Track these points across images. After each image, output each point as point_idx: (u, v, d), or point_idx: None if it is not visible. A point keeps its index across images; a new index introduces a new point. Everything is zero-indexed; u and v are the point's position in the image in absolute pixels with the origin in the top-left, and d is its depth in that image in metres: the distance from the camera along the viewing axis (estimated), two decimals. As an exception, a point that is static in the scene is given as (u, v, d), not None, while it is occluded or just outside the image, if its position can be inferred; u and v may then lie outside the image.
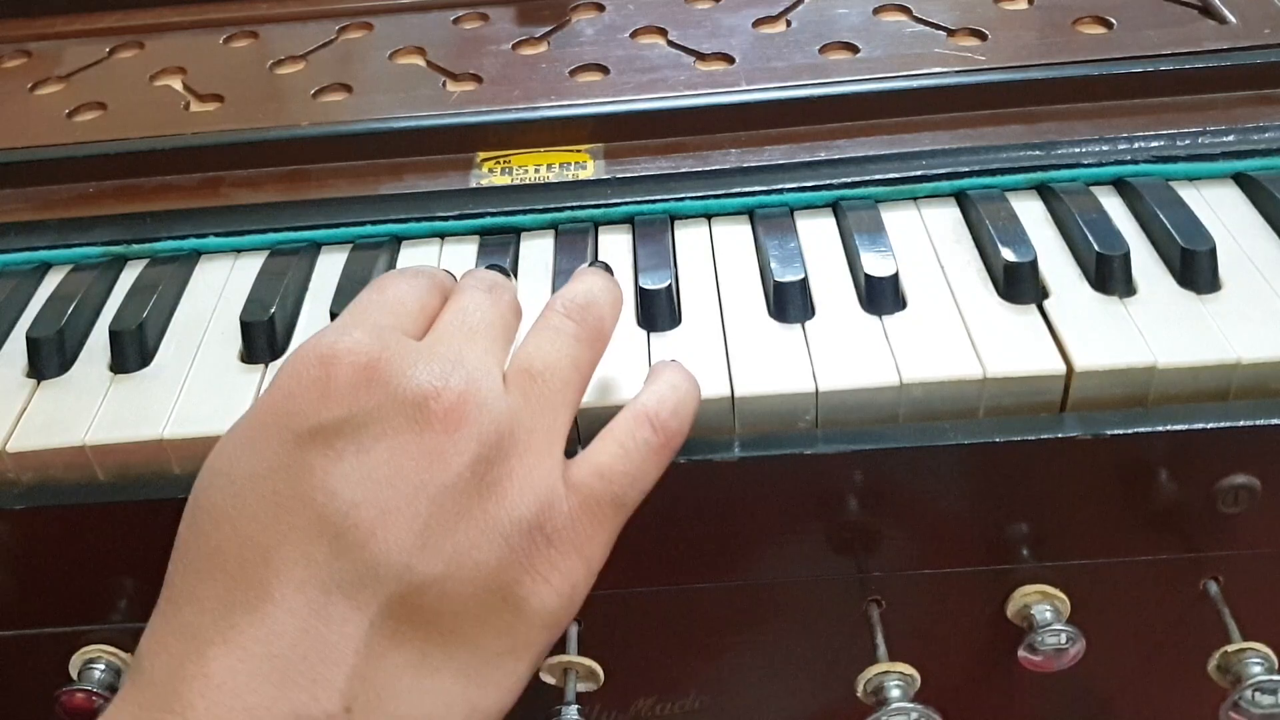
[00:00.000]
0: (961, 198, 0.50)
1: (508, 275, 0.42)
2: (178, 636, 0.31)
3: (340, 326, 0.34)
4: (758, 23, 0.62)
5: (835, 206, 0.50)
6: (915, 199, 0.51)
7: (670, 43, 0.62)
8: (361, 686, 0.30)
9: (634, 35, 0.63)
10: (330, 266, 0.50)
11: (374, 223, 0.51)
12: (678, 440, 0.37)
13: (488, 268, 0.43)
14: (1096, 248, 0.45)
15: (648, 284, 0.46)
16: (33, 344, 0.46)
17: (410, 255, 0.51)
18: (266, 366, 0.45)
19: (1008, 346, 0.42)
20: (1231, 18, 0.58)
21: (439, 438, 0.32)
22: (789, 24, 0.62)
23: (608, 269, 0.42)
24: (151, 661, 0.30)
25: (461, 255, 0.50)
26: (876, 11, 0.62)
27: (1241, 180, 0.50)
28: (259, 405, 0.33)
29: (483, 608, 0.32)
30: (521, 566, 0.33)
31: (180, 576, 0.32)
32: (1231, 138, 0.51)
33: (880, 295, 0.45)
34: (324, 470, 0.31)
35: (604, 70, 0.59)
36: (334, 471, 0.31)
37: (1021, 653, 0.44)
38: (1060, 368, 0.41)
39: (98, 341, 0.47)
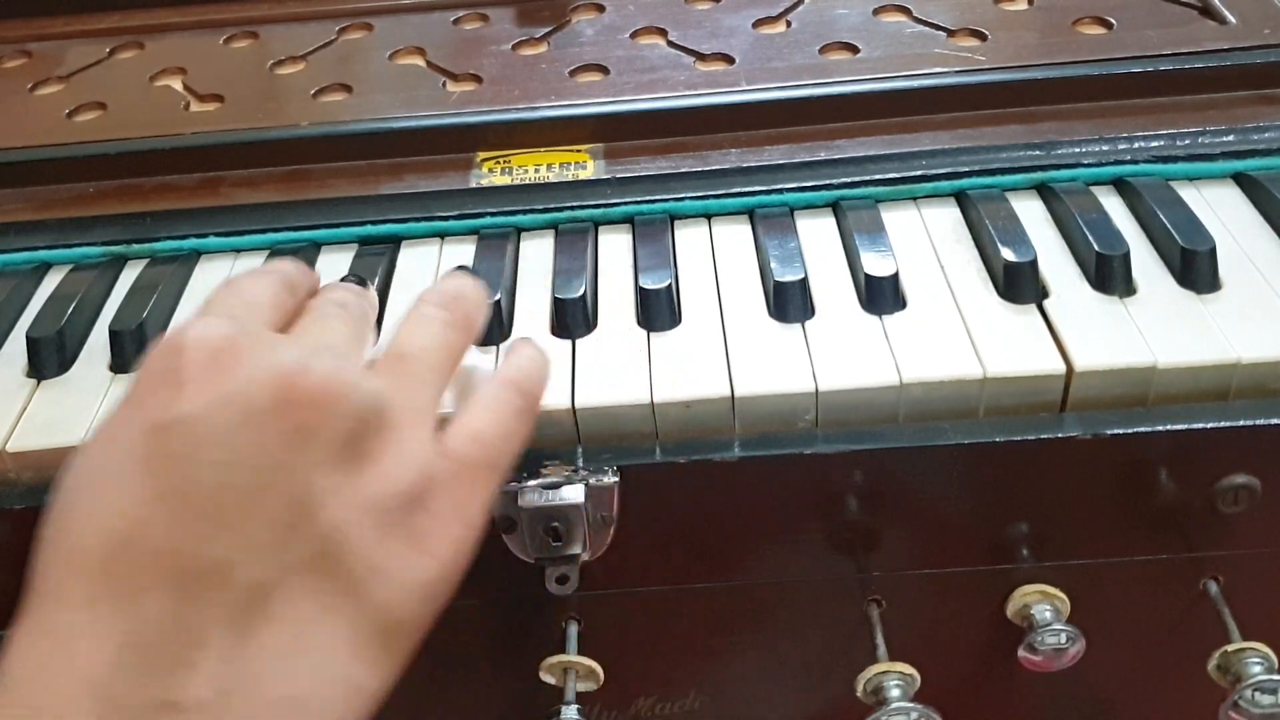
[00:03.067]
0: (961, 198, 0.50)
1: (364, 284, 0.42)
2: (45, 634, 0.30)
3: (191, 320, 0.34)
4: (758, 23, 0.62)
5: (835, 206, 0.50)
6: (915, 199, 0.51)
7: (670, 43, 0.62)
8: (231, 669, 0.30)
9: (634, 35, 0.63)
10: (330, 266, 0.50)
11: (374, 223, 0.51)
12: (536, 406, 0.38)
13: (344, 279, 0.42)
14: (1096, 248, 0.45)
15: (648, 284, 0.46)
16: (33, 344, 0.46)
17: (410, 255, 0.51)
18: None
19: (1008, 346, 0.42)
20: (1231, 18, 0.58)
21: (305, 415, 0.31)
22: (789, 24, 0.62)
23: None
24: (20, 662, 0.30)
25: (461, 255, 0.50)
26: (876, 12, 0.62)
27: (1241, 180, 0.50)
28: (117, 408, 0.33)
29: (361, 583, 0.32)
30: (400, 537, 0.32)
31: (45, 577, 0.31)
32: (1231, 138, 0.51)
33: (880, 295, 0.45)
34: (186, 458, 0.31)
35: (604, 70, 0.59)
36: (196, 459, 0.31)
37: (1021, 652, 0.44)
38: (1060, 367, 0.41)
39: (98, 341, 0.47)
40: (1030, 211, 0.49)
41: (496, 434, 0.36)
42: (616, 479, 0.40)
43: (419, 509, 0.33)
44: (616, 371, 0.43)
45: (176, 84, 0.63)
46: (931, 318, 0.44)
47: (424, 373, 0.36)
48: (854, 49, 0.59)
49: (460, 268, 0.44)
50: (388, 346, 0.37)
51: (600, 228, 0.51)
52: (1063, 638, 0.43)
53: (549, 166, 0.54)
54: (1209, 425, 0.40)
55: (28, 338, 0.46)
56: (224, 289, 0.37)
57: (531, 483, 0.40)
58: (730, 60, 0.59)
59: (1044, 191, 0.50)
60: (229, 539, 0.30)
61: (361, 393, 0.33)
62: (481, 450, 0.35)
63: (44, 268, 0.52)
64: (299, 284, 0.39)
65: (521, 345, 0.40)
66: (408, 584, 0.32)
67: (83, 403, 0.44)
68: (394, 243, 0.51)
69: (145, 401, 0.32)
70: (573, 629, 0.45)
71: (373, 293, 0.42)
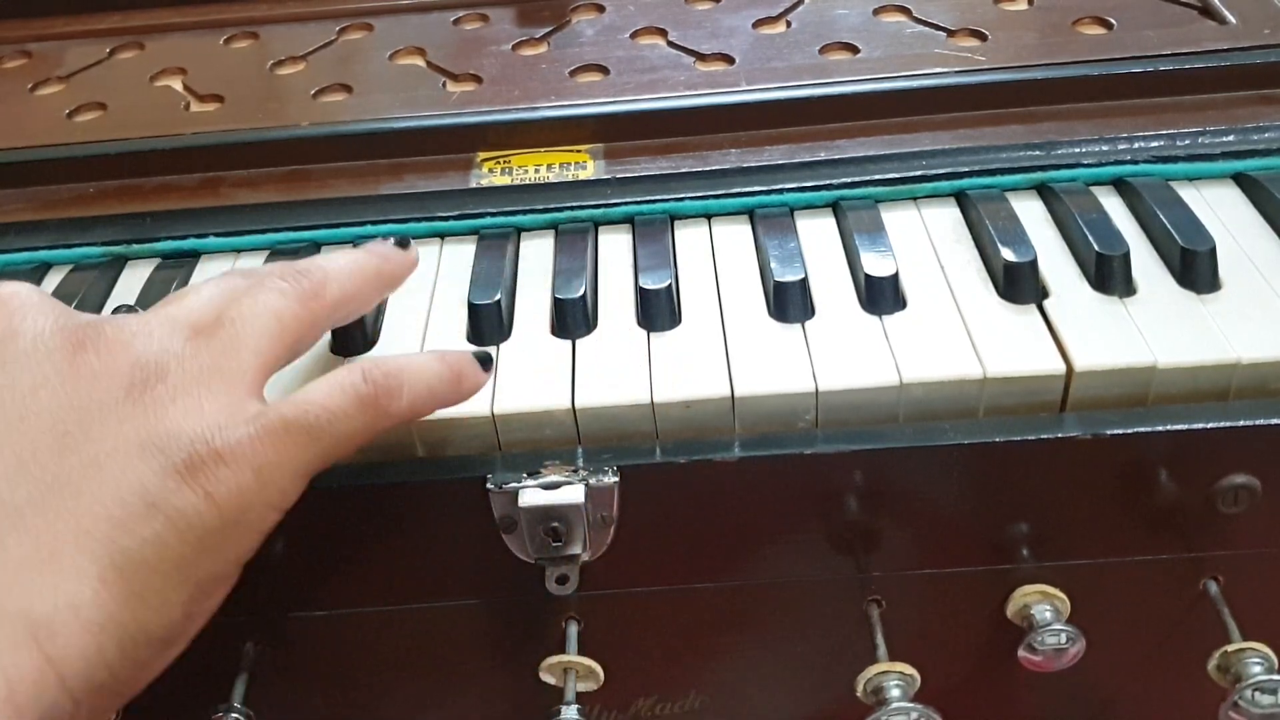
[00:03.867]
0: (961, 198, 0.50)
1: (406, 246, 0.43)
2: None
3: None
4: (758, 23, 0.62)
5: (835, 206, 0.50)
6: (915, 199, 0.51)
7: (670, 43, 0.62)
8: None
9: (634, 36, 0.63)
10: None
11: (374, 223, 0.51)
12: (388, 401, 0.36)
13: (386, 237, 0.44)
14: (1096, 248, 0.45)
15: (648, 284, 0.46)
16: (33, 344, 0.46)
17: (410, 255, 0.50)
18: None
19: (1008, 346, 0.42)
20: (1231, 18, 0.58)
21: (90, 358, 0.34)
22: (789, 24, 0.62)
23: (404, 243, 0.43)
24: None
25: (461, 255, 0.50)
26: (876, 12, 0.62)
27: (1241, 180, 0.50)
28: None
29: (126, 513, 0.32)
30: (179, 478, 0.32)
31: None
32: (1231, 138, 0.51)
33: (880, 295, 0.45)
34: None
35: (604, 70, 0.59)
36: None
37: (1021, 653, 0.44)
38: (1060, 368, 0.41)
39: (98, 341, 0.47)
40: (1030, 211, 0.49)
41: (324, 404, 0.35)
42: (616, 479, 0.40)
43: (206, 452, 0.33)
44: (616, 372, 0.43)
45: (176, 84, 0.63)
46: (931, 318, 0.44)
47: (239, 337, 0.36)
48: (854, 49, 0.59)
49: (388, 238, 0.43)
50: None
51: (600, 228, 0.51)
52: (1063, 638, 0.43)
53: (549, 166, 0.54)
54: (1209, 425, 0.40)
55: (28, 338, 0.46)
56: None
57: (531, 483, 0.40)
58: (730, 60, 0.59)
59: (1044, 191, 0.50)
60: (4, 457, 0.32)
61: (156, 343, 0.35)
62: (300, 413, 0.35)
63: (44, 268, 0.52)
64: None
65: (429, 351, 0.40)
66: (179, 523, 0.32)
67: (83, 403, 0.44)
68: (394, 243, 0.51)
69: None
70: (573, 629, 0.45)
71: (400, 255, 0.43)
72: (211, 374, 0.35)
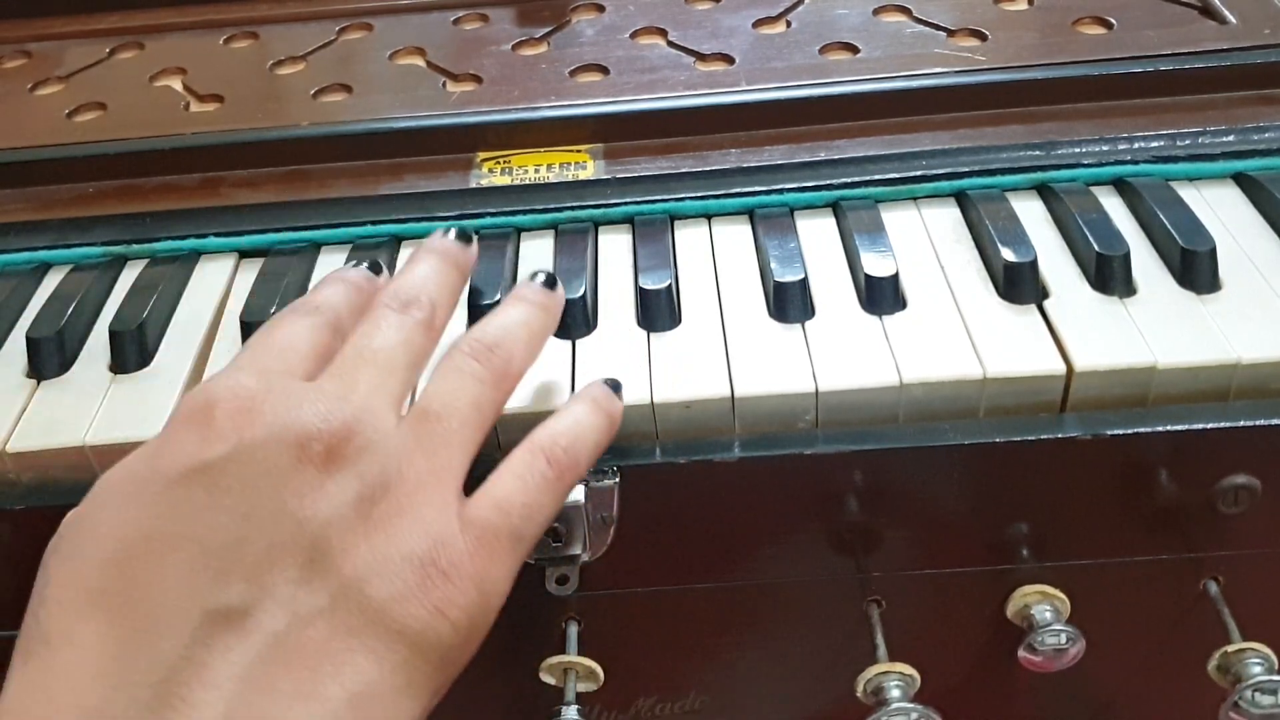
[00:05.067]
0: (961, 198, 0.50)
1: (469, 241, 0.42)
2: (54, 675, 0.30)
3: (224, 372, 0.35)
4: (758, 23, 0.62)
5: (835, 206, 0.50)
6: (915, 199, 0.51)
7: (670, 43, 0.62)
8: (244, 713, 0.30)
9: (634, 36, 0.63)
10: (330, 266, 0.50)
11: (374, 223, 0.51)
12: (572, 474, 0.37)
13: (444, 232, 0.42)
14: (1096, 248, 0.45)
15: (648, 284, 0.46)
16: (33, 344, 0.46)
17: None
18: (266, 366, 0.45)
19: (1008, 346, 0.42)
20: (1231, 18, 0.58)
21: (319, 476, 0.32)
22: (789, 24, 0.62)
23: (549, 283, 0.42)
24: (19, 691, 0.30)
25: (461, 255, 0.50)
26: (876, 12, 0.62)
27: (1241, 180, 0.50)
28: (135, 454, 0.33)
29: (374, 641, 0.32)
30: (416, 601, 0.32)
31: (54, 619, 0.31)
32: (1231, 138, 0.51)
33: (880, 295, 0.45)
34: (207, 506, 0.31)
35: (604, 70, 0.59)
36: (218, 506, 0.31)
37: (1021, 653, 0.44)
38: (1060, 368, 0.41)
39: (98, 341, 0.47)
40: (1030, 211, 0.49)
41: (522, 503, 0.35)
42: (616, 479, 0.40)
43: (434, 571, 0.33)
44: (616, 372, 0.43)
45: (176, 84, 0.63)
46: (931, 318, 0.44)
47: (447, 434, 0.35)
48: (854, 49, 0.59)
49: (538, 274, 0.42)
50: (417, 399, 0.36)
51: (600, 228, 0.51)
52: (1063, 638, 0.43)
53: (549, 166, 0.54)
54: (1209, 425, 0.40)
55: (28, 338, 0.46)
56: (262, 334, 0.37)
57: (531, 483, 0.40)
58: (730, 60, 0.59)
59: (1044, 191, 0.50)
60: (245, 588, 0.31)
61: (377, 452, 0.33)
62: (504, 520, 0.35)
63: (44, 268, 0.52)
64: (343, 320, 0.39)
65: (574, 401, 0.39)
66: (422, 646, 0.32)
67: (83, 403, 0.44)
68: (394, 243, 0.51)
69: (169, 448, 0.33)
70: (573, 629, 0.45)
71: (471, 250, 0.42)
72: (426, 477, 0.34)
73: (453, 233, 0.43)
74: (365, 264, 0.43)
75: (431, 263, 0.41)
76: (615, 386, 0.40)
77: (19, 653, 0.31)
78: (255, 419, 0.33)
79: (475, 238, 0.43)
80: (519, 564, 0.35)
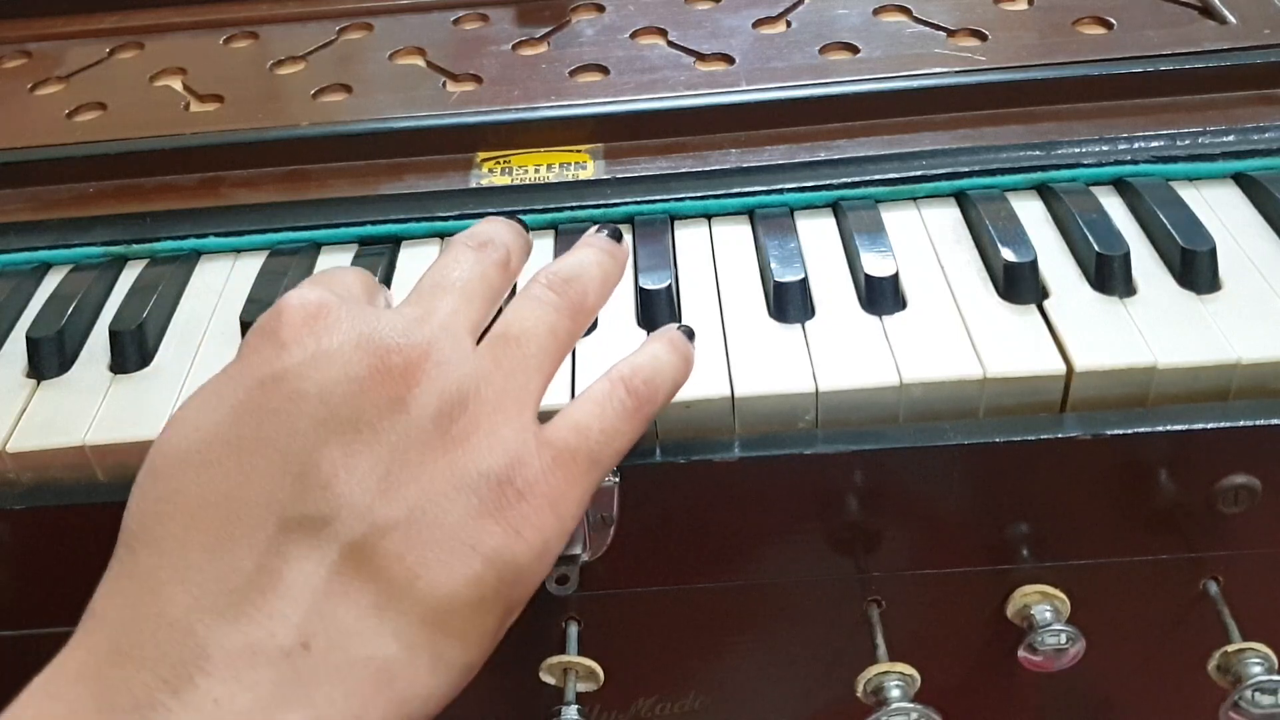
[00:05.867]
0: (961, 198, 0.50)
1: (525, 227, 0.42)
2: (133, 580, 0.31)
3: (291, 291, 0.35)
4: (758, 23, 0.62)
5: (835, 206, 0.50)
6: (915, 199, 0.51)
7: (670, 43, 0.62)
8: (321, 624, 0.30)
9: (634, 36, 0.63)
10: (330, 266, 0.50)
11: (374, 223, 0.51)
12: (650, 407, 0.37)
13: (495, 215, 0.43)
14: (1096, 248, 0.45)
15: (648, 284, 0.46)
16: (33, 344, 0.46)
17: (410, 255, 0.51)
18: (266, 366, 0.45)
19: (1008, 346, 0.42)
20: (1231, 18, 0.58)
21: (398, 389, 0.32)
22: (789, 24, 0.62)
23: (617, 235, 0.42)
24: (104, 604, 0.31)
25: (461, 255, 0.50)
26: (876, 12, 0.62)
27: (1241, 180, 0.50)
28: (225, 368, 0.34)
29: (449, 555, 0.32)
30: (491, 518, 0.32)
31: (137, 522, 0.32)
32: (1231, 138, 0.51)
33: (880, 295, 0.45)
34: (287, 412, 0.32)
35: (604, 70, 0.59)
36: (296, 411, 0.32)
37: (1021, 653, 0.44)
38: (1060, 368, 0.41)
39: (98, 341, 0.47)
40: (1030, 211, 0.49)
41: (601, 428, 0.35)
42: (617, 479, 0.40)
43: (510, 490, 0.33)
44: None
45: (176, 84, 0.63)
46: (931, 318, 0.44)
47: (527, 356, 0.35)
48: (854, 49, 0.59)
49: (604, 228, 0.42)
50: (494, 324, 0.36)
51: (600, 228, 0.51)
52: (1063, 638, 0.43)
53: (549, 167, 0.54)
54: (1209, 425, 0.40)
55: (28, 338, 0.46)
56: (318, 275, 0.38)
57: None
58: (730, 60, 0.59)
59: (1044, 191, 0.50)
60: (322, 496, 0.31)
61: (455, 369, 0.33)
62: (582, 441, 0.35)
63: (44, 268, 0.52)
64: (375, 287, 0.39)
65: (652, 339, 0.39)
66: (496, 562, 0.32)
67: (83, 403, 0.44)
68: (394, 243, 0.51)
69: (247, 359, 0.33)
70: (573, 629, 0.45)
71: (623, 252, 0.42)
72: (504, 398, 0.34)
73: (605, 230, 0.42)
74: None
75: (501, 223, 0.41)
76: (690, 333, 0.40)
77: (113, 560, 0.32)
78: (332, 326, 0.33)
79: (624, 235, 0.43)
80: (594, 489, 0.35)
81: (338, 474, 0.31)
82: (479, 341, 0.36)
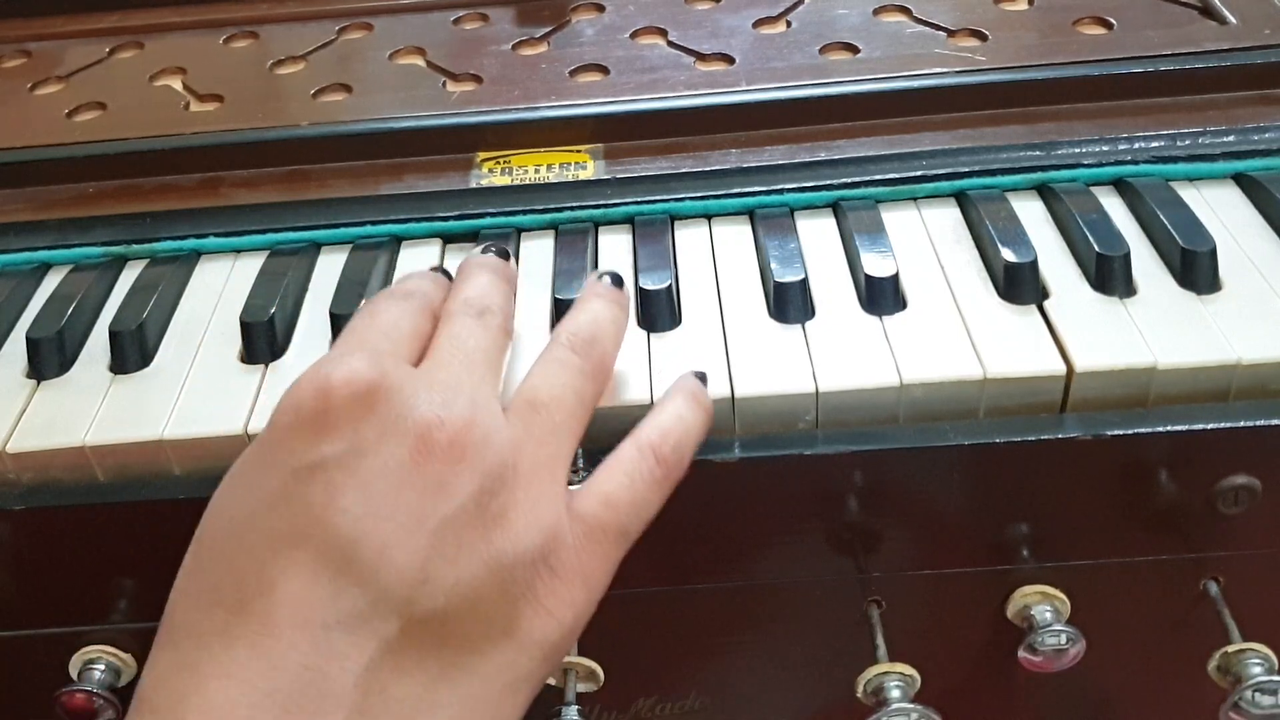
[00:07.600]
0: (961, 198, 0.50)
1: (507, 258, 0.42)
2: (179, 670, 0.30)
3: (336, 355, 0.34)
4: (758, 23, 0.62)
5: (835, 207, 0.50)
6: (915, 199, 0.51)
7: (670, 43, 0.62)
8: (359, 718, 0.30)
9: (634, 36, 0.63)
10: (330, 266, 0.50)
11: (374, 223, 0.51)
12: (678, 472, 0.37)
13: (484, 250, 0.43)
14: (1097, 248, 0.45)
15: (648, 284, 0.46)
16: (33, 344, 0.46)
17: (410, 255, 0.51)
18: (266, 367, 0.45)
19: (1008, 347, 0.42)
20: (1231, 18, 0.58)
21: (441, 469, 0.32)
22: (789, 24, 0.62)
23: (617, 281, 0.42)
24: (154, 694, 0.30)
25: (461, 256, 0.50)
26: (876, 12, 0.62)
27: (1241, 180, 0.50)
28: (258, 441, 0.33)
29: (486, 640, 0.32)
30: (525, 598, 0.32)
31: (182, 611, 0.32)
32: (1231, 138, 0.51)
33: (880, 295, 0.45)
34: (324, 505, 0.31)
35: (604, 70, 0.59)
36: (334, 506, 0.31)
37: (1021, 653, 0.44)
38: (1060, 368, 0.41)
39: (98, 342, 0.47)
40: (1030, 212, 0.49)
41: (630, 500, 0.35)
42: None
43: (544, 569, 0.33)
44: (616, 373, 0.43)
45: (176, 84, 0.63)
46: (932, 318, 0.44)
47: (557, 424, 0.35)
48: (854, 49, 0.59)
49: (604, 274, 0.42)
50: (520, 390, 0.36)
51: (600, 228, 0.51)
52: (1063, 639, 0.43)
53: (549, 167, 0.54)
54: (1209, 426, 0.40)
55: (28, 338, 0.46)
56: (366, 315, 0.37)
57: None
58: (730, 60, 0.59)
59: (1044, 192, 0.50)
60: (362, 593, 0.31)
61: (495, 447, 0.33)
62: (612, 516, 0.35)
63: (44, 268, 0.52)
64: (436, 305, 0.39)
65: (674, 396, 0.39)
66: (529, 645, 0.32)
67: (83, 403, 0.44)
68: (394, 243, 0.51)
69: (288, 442, 0.32)
70: (573, 629, 0.45)
71: (512, 266, 0.42)
72: (538, 468, 0.34)
73: (492, 250, 0.43)
74: (431, 269, 0.43)
75: (487, 275, 0.41)
76: (703, 378, 0.40)
77: (157, 646, 0.32)
78: (373, 410, 0.32)
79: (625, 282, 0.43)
80: (619, 560, 0.35)
81: (376, 567, 0.31)
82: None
